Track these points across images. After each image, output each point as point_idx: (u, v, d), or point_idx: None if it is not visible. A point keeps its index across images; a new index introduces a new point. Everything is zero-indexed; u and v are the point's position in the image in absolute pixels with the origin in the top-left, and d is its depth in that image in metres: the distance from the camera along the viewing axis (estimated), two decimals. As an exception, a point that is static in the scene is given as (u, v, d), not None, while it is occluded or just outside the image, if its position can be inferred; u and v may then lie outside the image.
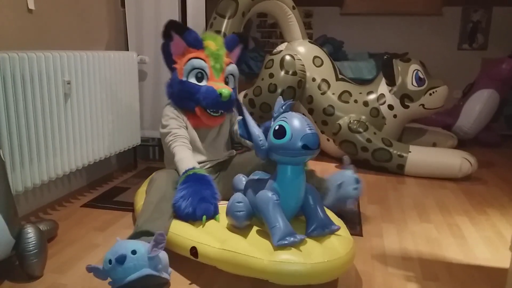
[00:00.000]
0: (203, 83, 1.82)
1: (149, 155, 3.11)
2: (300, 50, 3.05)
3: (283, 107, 1.40)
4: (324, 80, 3.01)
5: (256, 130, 1.43)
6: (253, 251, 1.30)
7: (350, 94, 2.97)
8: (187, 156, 1.73)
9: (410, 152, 2.70)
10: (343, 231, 1.46)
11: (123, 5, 2.62)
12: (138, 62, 2.54)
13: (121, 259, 1.22)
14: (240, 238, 1.39)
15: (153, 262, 1.26)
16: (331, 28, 4.59)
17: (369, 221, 1.99)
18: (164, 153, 1.92)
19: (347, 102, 2.95)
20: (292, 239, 1.28)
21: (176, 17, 2.57)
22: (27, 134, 1.72)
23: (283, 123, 1.32)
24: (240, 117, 1.63)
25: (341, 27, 4.62)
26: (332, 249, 1.32)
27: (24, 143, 1.71)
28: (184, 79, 1.82)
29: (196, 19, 2.69)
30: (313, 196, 1.43)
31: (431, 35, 4.45)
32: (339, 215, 1.64)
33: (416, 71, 2.86)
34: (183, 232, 1.50)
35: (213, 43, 1.86)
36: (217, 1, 2.86)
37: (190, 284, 1.42)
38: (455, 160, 2.62)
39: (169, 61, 1.88)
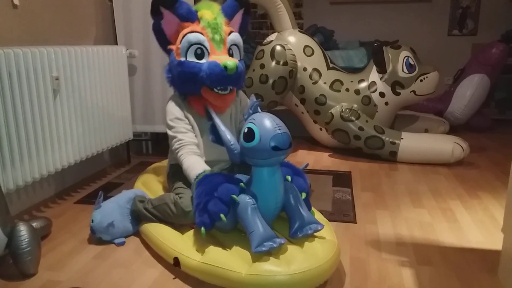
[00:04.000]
0: (204, 59, 1.62)
1: (142, 149, 3.10)
2: (290, 40, 3.04)
3: (252, 108, 1.38)
4: (315, 69, 3.00)
5: (227, 134, 1.41)
6: (231, 264, 1.29)
7: (342, 83, 2.97)
8: (194, 162, 1.60)
9: (402, 138, 2.71)
10: (328, 232, 1.45)
11: (110, -2, 2.59)
12: (127, 56, 2.52)
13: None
14: (220, 250, 1.39)
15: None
16: (321, 18, 4.57)
17: (363, 208, 2.00)
18: (169, 148, 1.84)
19: (338, 91, 2.95)
20: (270, 244, 1.27)
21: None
22: (16, 131, 1.70)
23: (252, 126, 1.31)
24: (210, 122, 1.51)
25: (331, 16, 4.61)
26: (313, 256, 1.29)
27: (14, 141, 1.69)
28: (182, 59, 1.63)
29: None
30: (294, 195, 1.41)
31: (421, 21, 4.45)
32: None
33: (406, 57, 2.86)
34: (167, 240, 1.50)
35: (209, 12, 1.66)
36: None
37: (174, 279, 1.43)
38: (447, 146, 2.63)
39: (163, 42, 1.69)
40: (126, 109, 2.51)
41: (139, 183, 2.06)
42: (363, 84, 2.93)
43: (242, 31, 1.81)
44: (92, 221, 1.65)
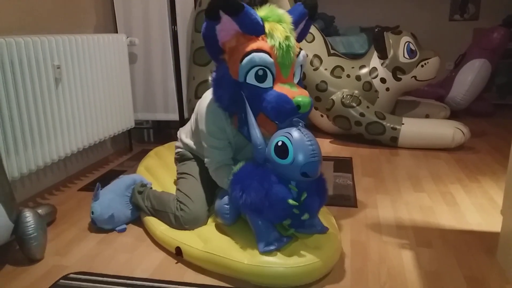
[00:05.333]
0: (267, 83, 1.33)
1: (143, 137, 3.11)
2: (290, 27, 3.02)
3: (292, 121, 1.28)
4: (316, 55, 3.00)
5: (257, 132, 1.31)
6: (233, 253, 1.31)
7: (343, 69, 2.97)
8: (223, 170, 1.50)
9: (403, 124, 2.71)
10: (331, 225, 1.46)
11: (109, -14, 2.58)
12: (127, 44, 2.52)
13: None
14: (223, 238, 1.40)
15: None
16: (322, 4, 4.53)
17: (364, 193, 2.02)
18: (179, 134, 1.83)
19: (339, 77, 2.95)
20: (277, 243, 1.29)
21: (164, -3, 2.54)
22: (20, 120, 1.72)
23: (287, 142, 1.23)
24: (242, 113, 1.37)
25: (331, 2, 4.57)
26: (315, 250, 1.30)
27: (17, 129, 1.71)
28: (241, 80, 1.34)
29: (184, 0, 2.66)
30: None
31: (422, 6, 4.42)
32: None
33: (407, 43, 2.85)
34: (168, 231, 1.52)
35: (280, 28, 1.34)
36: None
37: (176, 263, 1.45)
38: (448, 130, 2.64)
39: (215, 50, 1.39)
40: (127, 97, 2.52)
41: (142, 168, 2.08)
42: (364, 70, 2.93)
43: (301, 37, 1.54)
44: (92, 213, 1.65)
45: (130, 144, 2.85)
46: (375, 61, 2.91)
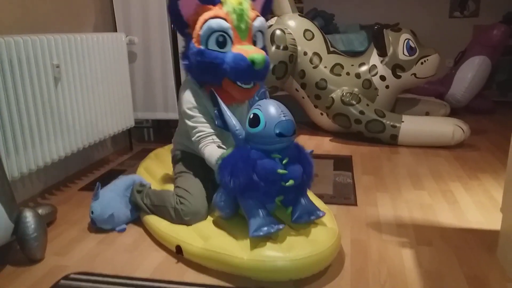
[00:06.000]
0: (227, 48, 1.49)
1: (144, 136, 3.11)
2: (290, 24, 3.02)
3: (259, 95, 1.39)
4: (315, 53, 2.99)
5: (232, 119, 1.40)
6: (233, 249, 1.31)
7: (342, 67, 2.96)
8: (213, 150, 1.50)
9: (403, 122, 2.71)
10: (329, 219, 1.46)
11: (108, -15, 2.57)
12: (127, 43, 2.52)
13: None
14: (222, 235, 1.41)
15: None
16: (321, 1, 4.53)
17: (364, 191, 2.02)
18: (175, 133, 1.82)
19: (339, 75, 2.94)
20: (266, 229, 1.28)
21: (163, -5, 2.54)
22: (19, 119, 1.72)
23: (257, 112, 1.33)
24: (216, 108, 1.45)
25: (331, 0, 4.56)
26: (315, 242, 1.31)
27: (17, 129, 1.70)
28: (202, 47, 1.49)
29: None
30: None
31: (422, 4, 4.41)
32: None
33: (407, 40, 2.84)
34: (168, 230, 1.52)
35: None
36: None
37: (176, 263, 1.45)
38: (448, 128, 2.64)
39: (180, 25, 1.53)
40: (127, 96, 2.52)
41: (142, 169, 2.08)
42: (364, 68, 2.93)
43: (265, 11, 1.66)
44: (92, 212, 1.66)
45: (130, 143, 2.85)
46: (374, 58, 2.91)
